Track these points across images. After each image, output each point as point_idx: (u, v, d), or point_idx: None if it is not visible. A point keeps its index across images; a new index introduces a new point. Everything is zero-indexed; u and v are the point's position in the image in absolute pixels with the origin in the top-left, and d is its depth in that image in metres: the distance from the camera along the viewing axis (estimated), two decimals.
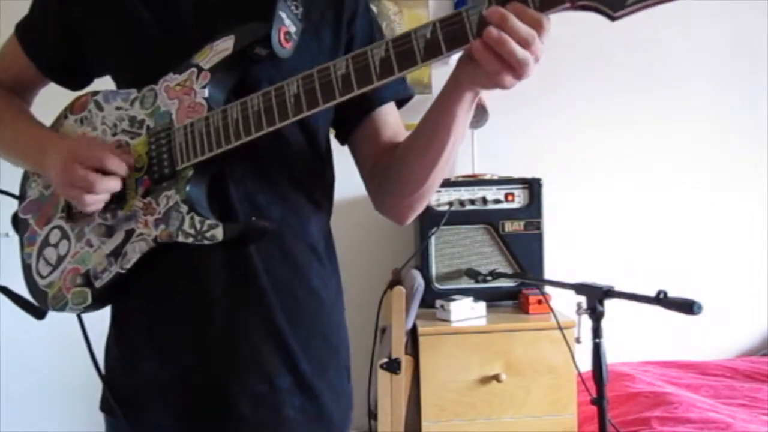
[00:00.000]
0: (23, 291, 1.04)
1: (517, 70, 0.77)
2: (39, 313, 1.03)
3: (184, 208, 0.91)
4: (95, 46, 1.02)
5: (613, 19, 0.73)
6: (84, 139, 0.97)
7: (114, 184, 0.92)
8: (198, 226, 0.90)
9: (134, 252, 0.94)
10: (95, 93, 1.02)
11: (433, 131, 0.92)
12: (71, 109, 1.04)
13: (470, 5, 0.77)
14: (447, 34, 0.78)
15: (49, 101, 1.16)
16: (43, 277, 1.01)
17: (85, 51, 1.03)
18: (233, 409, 0.95)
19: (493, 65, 0.76)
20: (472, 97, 0.87)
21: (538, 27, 0.75)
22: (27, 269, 1.03)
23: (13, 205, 1.08)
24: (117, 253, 0.95)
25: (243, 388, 0.95)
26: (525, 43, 0.75)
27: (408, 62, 0.80)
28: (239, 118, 0.88)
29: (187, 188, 0.92)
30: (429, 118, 0.93)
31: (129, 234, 0.94)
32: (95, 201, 0.92)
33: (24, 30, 1.08)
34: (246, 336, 0.96)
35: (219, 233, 0.88)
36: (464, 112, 0.89)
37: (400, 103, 1.08)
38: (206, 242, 0.89)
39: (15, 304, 1.04)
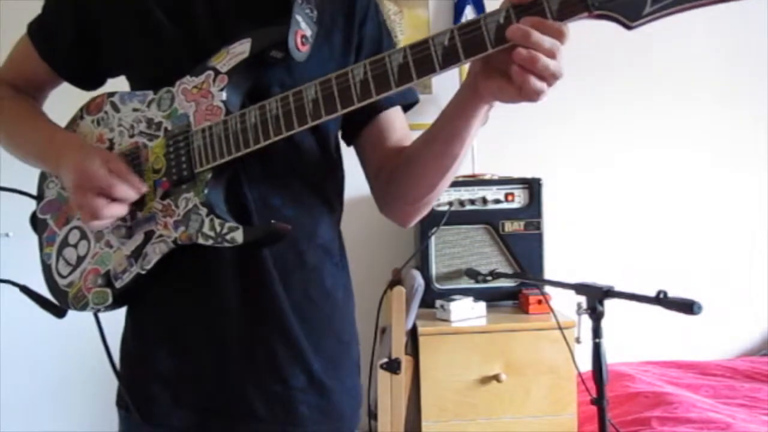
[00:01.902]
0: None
1: (550, 81, 0.77)
2: (59, 312, 1.04)
3: (204, 211, 0.92)
4: (112, 46, 1.01)
5: (629, 28, 0.74)
6: (97, 154, 0.94)
7: (119, 211, 0.93)
8: (218, 228, 0.91)
9: (154, 253, 0.95)
10: (111, 94, 1.02)
11: (449, 142, 0.93)
12: (87, 109, 1.04)
13: (487, 13, 0.77)
14: (465, 42, 0.78)
15: (56, 99, 1.16)
16: (63, 277, 1.02)
17: (100, 51, 1.03)
18: (248, 407, 0.97)
19: (529, 81, 0.76)
20: (488, 108, 0.88)
21: (560, 37, 0.75)
22: (47, 269, 1.04)
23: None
24: (137, 254, 0.96)
25: (258, 387, 0.97)
26: (551, 55, 0.75)
27: (426, 69, 0.80)
28: (258, 122, 0.89)
29: (206, 191, 0.92)
30: (444, 128, 0.93)
31: (149, 235, 0.96)
32: (100, 225, 0.94)
33: (37, 31, 1.07)
34: (261, 337, 0.97)
35: (239, 236, 0.90)
36: (481, 122, 0.89)
37: (406, 108, 1.08)
38: (226, 245, 0.90)
39: (36, 303, 1.04)
